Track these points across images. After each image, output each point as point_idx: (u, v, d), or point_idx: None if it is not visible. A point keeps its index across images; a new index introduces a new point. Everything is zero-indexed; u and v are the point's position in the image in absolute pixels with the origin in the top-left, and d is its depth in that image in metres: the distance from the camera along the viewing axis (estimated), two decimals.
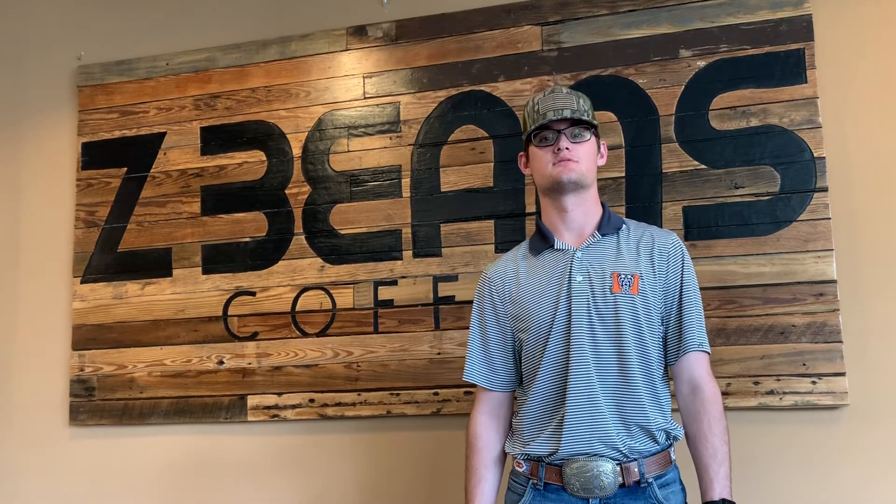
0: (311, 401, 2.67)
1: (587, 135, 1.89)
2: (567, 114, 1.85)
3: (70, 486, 2.90)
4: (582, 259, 1.86)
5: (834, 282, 2.29)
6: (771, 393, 2.30)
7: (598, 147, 1.94)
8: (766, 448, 2.30)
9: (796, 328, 2.30)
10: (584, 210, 1.90)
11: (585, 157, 1.87)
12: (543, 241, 1.93)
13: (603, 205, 1.94)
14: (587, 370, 1.79)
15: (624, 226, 1.92)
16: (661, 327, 1.87)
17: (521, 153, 1.99)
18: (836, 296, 2.28)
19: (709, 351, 1.88)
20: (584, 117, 1.87)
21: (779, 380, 2.30)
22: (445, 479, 2.51)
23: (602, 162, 1.96)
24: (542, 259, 1.92)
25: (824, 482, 2.27)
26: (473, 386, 2.00)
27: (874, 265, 2.31)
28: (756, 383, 2.31)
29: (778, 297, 2.32)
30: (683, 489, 1.84)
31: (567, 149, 1.85)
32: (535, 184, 1.95)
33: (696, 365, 1.85)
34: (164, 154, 2.93)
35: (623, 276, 1.83)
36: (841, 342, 2.27)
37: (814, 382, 2.27)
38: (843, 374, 2.26)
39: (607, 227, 1.90)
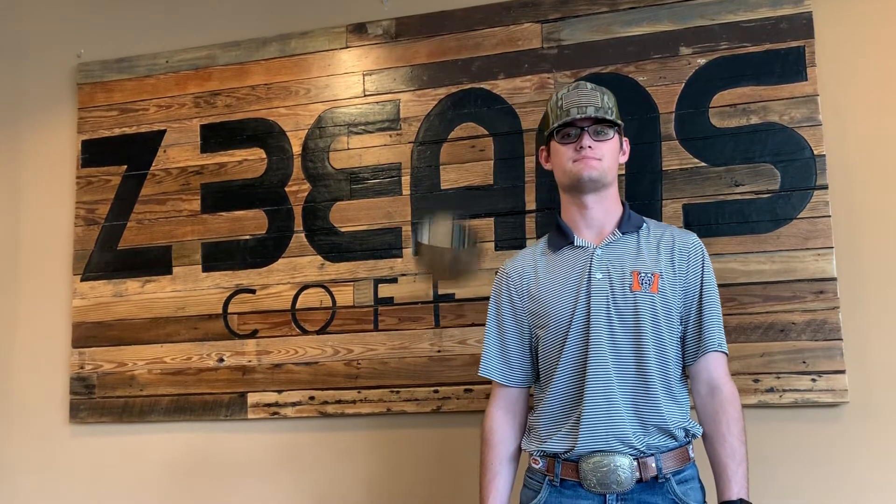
0: (312, 398, 2.67)
1: (610, 132, 1.87)
2: (591, 111, 1.84)
3: (70, 483, 2.90)
4: (602, 257, 1.86)
5: (834, 279, 2.29)
6: (771, 391, 2.30)
7: (621, 144, 1.93)
8: (766, 446, 2.29)
9: (796, 326, 2.30)
10: (604, 208, 1.89)
11: (608, 155, 1.86)
12: (563, 238, 1.92)
13: (623, 203, 1.93)
14: (605, 368, 1.79)
15: (644, 225, 1.91)
16: (680, 327, 1.85)
17: (543, 147, 1.97)
18: (836, 293, 2.28)
19: (727, 352, 1.86)
20: (609, 115, 1.85)
21: (779, 377, 2.29)
22: (446, 477, 2.51)
23: (624, 159, 1.94)
24: (561, 255, 1.91)
25: (824, 480, 2.27)
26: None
27: (874, 263, 2.31)
28: (756, 381, 2.31)
29: (778, 295, 2.32)
30: (702, 487, 1.82)
31: (590, 147, 1.84)
32: (556, 180, 1.94)
33: (715, 365, 1.84)
34: (164, 152, 2.93)
35: (643, 274, 1.82)
36: (841, 340, 2.27)
37: (814, 380, 2.27)
38: (842, 372, 2.26)
39: (628, 225, 1.89)
